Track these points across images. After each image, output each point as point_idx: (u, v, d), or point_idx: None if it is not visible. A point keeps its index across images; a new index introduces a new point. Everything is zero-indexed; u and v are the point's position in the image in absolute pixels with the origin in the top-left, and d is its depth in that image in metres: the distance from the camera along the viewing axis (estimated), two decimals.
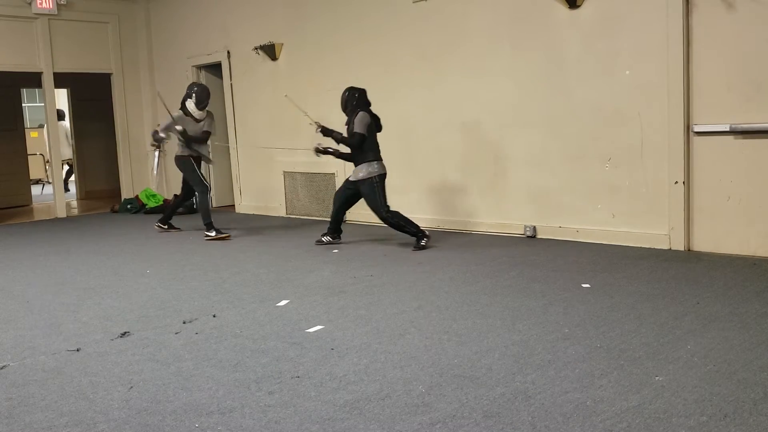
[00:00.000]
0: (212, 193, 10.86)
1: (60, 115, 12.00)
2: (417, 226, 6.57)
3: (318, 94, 8.50)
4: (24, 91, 15.06)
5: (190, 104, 7.72)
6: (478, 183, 7.33)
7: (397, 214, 6.55)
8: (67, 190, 13.24)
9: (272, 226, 8.67)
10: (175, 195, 10.63)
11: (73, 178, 13.80)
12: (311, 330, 4.15)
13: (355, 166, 6.57)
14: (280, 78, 9.27)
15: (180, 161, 7.81)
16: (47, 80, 10.40)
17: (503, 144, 7.07)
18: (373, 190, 6.47)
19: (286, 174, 9.38)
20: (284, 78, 9.20)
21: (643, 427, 2.69)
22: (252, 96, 9.78)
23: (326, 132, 6.67)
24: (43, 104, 10.86)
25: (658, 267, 5.37)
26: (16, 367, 3.73)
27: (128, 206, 10.85)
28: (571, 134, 6.55)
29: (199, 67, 10.62)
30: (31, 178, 13.26)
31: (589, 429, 2.69)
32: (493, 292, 4.84)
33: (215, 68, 10.39)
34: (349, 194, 6.72)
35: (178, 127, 7.58)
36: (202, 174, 7.86)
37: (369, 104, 6.60)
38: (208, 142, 8.02)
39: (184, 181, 8.08)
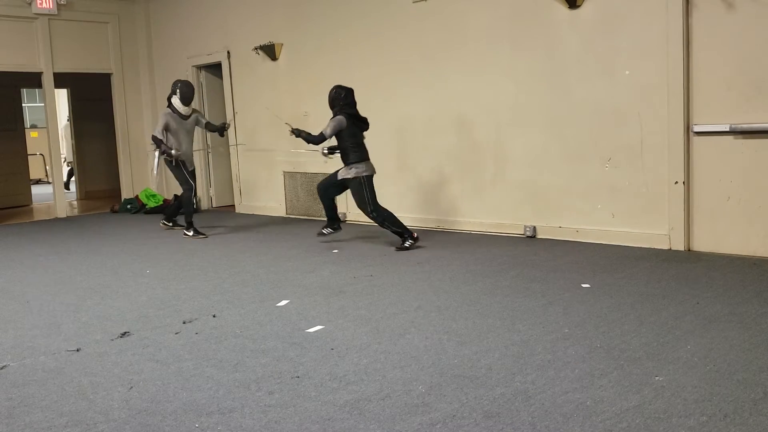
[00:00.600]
0: (212, 192, 10.89)
1: None
2: (404, 226, 6.63)
3: (318, 94, 8.49)
4: (24, 91, 15.06)
5: (176, 101, 7.85)
6: (477, 183, 7.33)
7: (384, 212, 6.61)
8: (67, 188, 13.24)
9: (272, 226, 8.67)
10: (176, 195, 10.66)
11: (72, 177, 13.81)
12: (311, 330, 4.15)
13: (344, 164, 6.69)
14: (280, 78, 9.27)
15: (168, 162, 8.06)
16: (47, 80, 10.40)
17: (503, 144, 7.07)
18: (360, 188, 6.57)
19: (286, 174, 9.38)
20: (284, 78, 9.20)
21: (643, 427, 2.69)
22: (252, 96, 9.78)
23: (297, 133, 6.88)
24: (43, 104, 10.85)
25: (658, 267, 5.37)
26: (16, 367, 3.73)
27: (128, 206, 10.85)
28: (571, 134, 6.55)
29: (199, 67, 10.62)
30: (31, 178, 13.26)
31: (589, 429, 2.69)
32: (493, 292, 4.84)
33: (215, 68, 10.39)
34: (328, 184, 6.89)
35: (173, 152, 7.79)
36: (188, 173, 7.99)
37: (354, 104, 6.68)
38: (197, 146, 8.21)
39: None
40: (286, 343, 3.94)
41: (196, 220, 8.39)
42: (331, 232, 7.11)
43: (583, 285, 4.92)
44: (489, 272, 5.47)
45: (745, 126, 5.50)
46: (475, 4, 7.11)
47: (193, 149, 8.28)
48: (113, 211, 10.96)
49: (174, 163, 7.92)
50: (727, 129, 5.57)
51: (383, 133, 8.15)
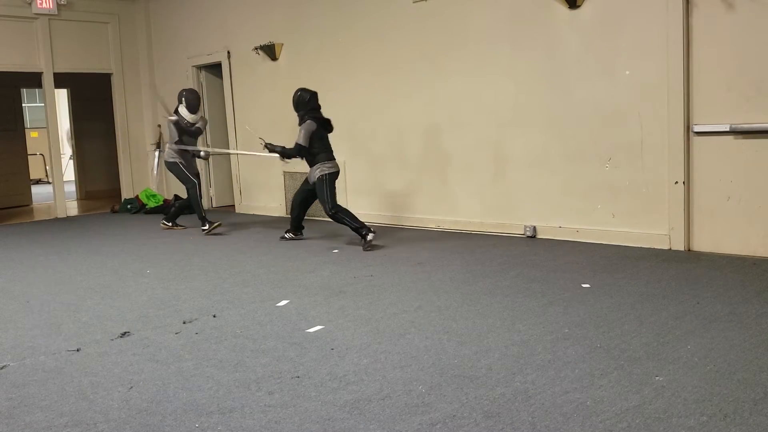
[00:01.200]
0: (212, 192, 10.89)
1: None
2: (360, 222, 6.75)
3: (318, 93, 8.49)
4: (24, 91, 15.05)
5: (183, 110, 8.06)
6: (477, 183, 7.33)
7: (341, 209, 6.79)
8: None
9: (272, 226, 8.67)
10: (176, 195, 10.67)
11: (73, 178, 13.80)
12: (311, 330, 4.15)
13: (310, 167, 6.90)
14: (280, 78, 9.27)
15: (169, 165, 8.25)
16: (47, 80, 10.40)
17: (503, 144, 7.07)
18: (321, 185, 6.78)
19: (286, 174, 9.38)
20: (284, 78, 9.20)
21: (643, 427, 2.69)
22: (252, 96, 9.78)
23: (271, 148, 7.13)
24: (43, 104, 10.85)
25: (658, 267, 5.37)
26: (16, 367, 3.73)
27: (128, 206, 10.85)
28: (571, 134, 6.55)
29: (199, 67, 10.62)
30: (31, 178, 13.26)
31: (589, 429, 2.69)
32: (493, 292, 4.84)
33: (215, 68, 10.39)
34: (306, 195, 7.12)
35: (202, 154, 8.33)
36: (190, 172, 8.17)
37: (319, 108, 6.88)
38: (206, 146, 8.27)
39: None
40: (286, 343, 3.94)
41: (194, 218, 8.44)
42: (293, 238, 7.37)
43: (583, 285, 4.92)
44: (489, 272, 5.47)
45: (745, 126, 5.50)
46: (476, 4, 7.11)
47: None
48: (113, 211, 10.96)
49: (177, 168, 8.13)
50: (727, 129, 5.57)
51: (383, 133, 8.16)
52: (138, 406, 3.13)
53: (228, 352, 3.83)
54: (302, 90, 6.91)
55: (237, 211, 10.32)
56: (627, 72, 6.12)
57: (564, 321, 4.09)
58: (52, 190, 10.98)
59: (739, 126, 5.52)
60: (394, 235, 7.43)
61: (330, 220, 7.03)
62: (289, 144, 7.05)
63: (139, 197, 10.88)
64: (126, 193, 11.38)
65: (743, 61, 5.50)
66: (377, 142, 8.22)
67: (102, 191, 13.18)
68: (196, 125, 8.13)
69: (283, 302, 4.85)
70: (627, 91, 6.14)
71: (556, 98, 6.61)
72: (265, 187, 9.82)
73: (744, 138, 5.55)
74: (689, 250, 5.91)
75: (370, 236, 6.61)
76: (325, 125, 6.87)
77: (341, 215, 6.74)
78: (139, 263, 6.55)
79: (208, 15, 10.27)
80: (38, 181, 16.00)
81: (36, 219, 10.60)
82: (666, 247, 6.00)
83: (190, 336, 4.16)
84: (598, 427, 2.70)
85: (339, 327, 4.19)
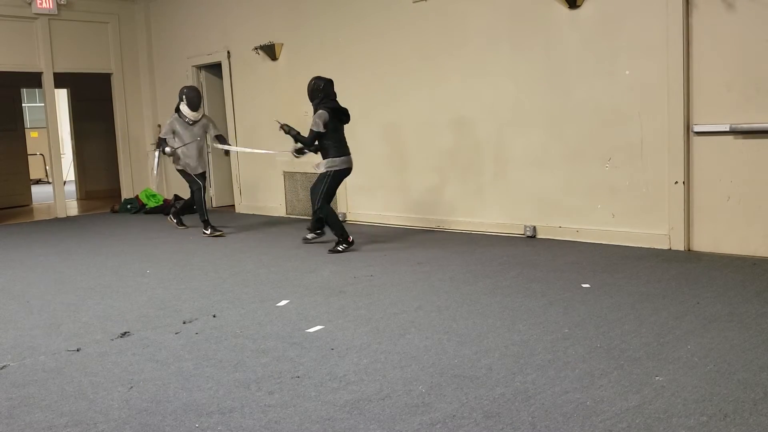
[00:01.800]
0: (212, 192, 10.88)
1: None
2: (343, 230, 6.60)
3: None
4: (24, 91, 15.05)
5: (184, 107, 8.00)
6: (477, 183, 7.33)
7: (330, 211, 6.65)
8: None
9: (272, 225, 8.67)
10: (176, 195, 10.67)
11: (73, 178, 13.81)
12: (311, 330, 4.15)
13: (323, 159, 6.69)
14: (280, 78, 9.27)
15: (177, 169, 8.26)
16: (47, 80, 10.40)
17: (503, 144, 7.07)
18: (321, 180, 6.62)
19: (286, 174, 9.38)
20: (284, 78, 9.20)
21: (643, 427, 2.69)
22: (252, 96, 9.78)
23: (287, 129, 6.86)
24: (43, 104, 10.85)
25: (658, 267, 5.37)
26: (16, 367, 3.73)
27: (128, 206, 10.85)
28: (571, 134, 6.55)
29: (199, 67, 10.62)
30: (31, 178, 13.26)
31: (589, 429, 2.69)
32: (493, 292, 4.84)
33: (215, 68, 10.39)
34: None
35: (168, 149, 8.05)
36: (195, 174, 8.11)
37: (334, 96, 6.65)
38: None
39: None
40: (286, 343, 3.94)
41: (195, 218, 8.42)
42: (315, 238, 7.18)
43: (583, 285, 4.92)
44: (489, 272, 5.47)
45: (745, 126, 5.50)
46: (476, 4, 7.11)
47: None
48: (113, 211, 10.96)
49: (184, 172, 8.14)
50: (727, 129, 5.57)
51: (383, 133, 8.15)
52: (138, 406, 3.13)
53: (228, 352, 3.83)
54: (317, 78, 6.65)
55: (237, 211, 10.32)
56: (627, 72, 6.12)
57: (564, 321, 4.09)
58: (52, 190, 10.98)
59: (739, 126, 5.51)
60: (394, 235, 7.43)
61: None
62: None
63: (139, 197, 10.88)
64: (126, 193, 11.38)
65: (743, 61, 5.50)
66: (377, 142, 8.22)
67: (102, 191, 13.18)
68: (197, 125, 8.08)
69: (283, 302, 4.85)
70: (627, 91, 6.14)
71: (556, 98, 6.61)
72: (265, 187, 9.81)
73: (744, 138, 5.55)
74: (689, 250, 5.91)
75: (341, 247, 6.53)
76: (340, 116, 6.60)
77: (326, 216, 6.62)
78: (139, 263, 6.55)
79: (207, 15, 10.26)
80: (38, 181, 15.99)
81: (36, 219, 10.60)
82: (666, 247, 6.00)
83: (190, 336, 4.16)
84: (598, 427, 2.70)
85: (339, 327, 4.19)
